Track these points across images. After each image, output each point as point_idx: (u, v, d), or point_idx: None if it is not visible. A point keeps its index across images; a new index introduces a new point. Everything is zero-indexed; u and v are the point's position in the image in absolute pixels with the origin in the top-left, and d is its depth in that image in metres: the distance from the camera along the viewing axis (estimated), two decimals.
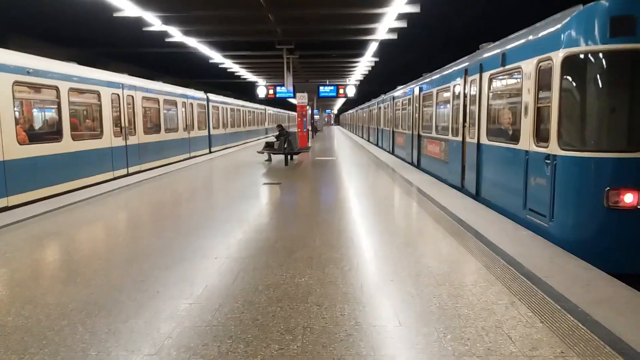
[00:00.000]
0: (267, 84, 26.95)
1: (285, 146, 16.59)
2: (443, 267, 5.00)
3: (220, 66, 22.57)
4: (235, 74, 26.50)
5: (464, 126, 10.16)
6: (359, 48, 18.08)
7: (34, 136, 10.17)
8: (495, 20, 14.25)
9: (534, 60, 6.73)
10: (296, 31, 15.37)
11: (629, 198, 5.48)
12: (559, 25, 6.15)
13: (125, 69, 19.82)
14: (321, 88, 23.01)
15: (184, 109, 20.14)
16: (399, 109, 20.04)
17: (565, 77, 5.97)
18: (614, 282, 4.44)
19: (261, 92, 22.36)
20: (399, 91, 20.47)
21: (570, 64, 5.91)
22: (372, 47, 17.42)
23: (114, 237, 6.58)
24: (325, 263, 5.20)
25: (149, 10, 11.90)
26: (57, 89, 10.82)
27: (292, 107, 58.67)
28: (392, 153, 21.54)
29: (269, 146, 17.47)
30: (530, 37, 7.07)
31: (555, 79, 6.09)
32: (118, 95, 14.02)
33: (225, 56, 20.00)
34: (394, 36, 15.05)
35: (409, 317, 3.79)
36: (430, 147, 13.40)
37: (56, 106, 10.86)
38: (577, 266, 4.92)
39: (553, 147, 6.11)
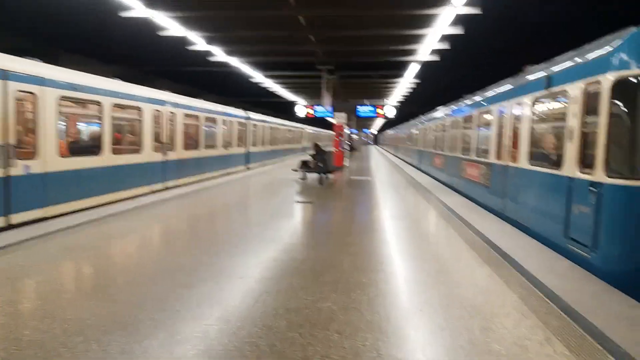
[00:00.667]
0: (306, 103, 27.15)
1: (320, 165, 16.54)
2: (477, 297, 4.73)
3: (260, 85, 22.92)
4: (275, 92, 26.83)
5: (502, 150, 9.93)
6: (399, 69, 18.00)
7: (75, 149, 10.42)
8: (538, 42, 13.85)
9: (581, 83, 6.44)
10: (336, 52, 15.45)
11: None
12: (609, 48, 5.87)
13: (169, 87, 20.30)
14: (360, 108, 22.93)
15: (224, 127, 20.32)
16: (437, 131, 19.76)
17: (615, 101, 5.64)
18: None
19: (300, 111, 22.47)
20: (436, 113, 20.25)
21: (621, 88, 5.60)
22: (413, 68, 17.28)
23: (141, 253, 6.61)
24: (351, 287, 5.02)
25: (193, 30, 12.22)
26: (100, 104, 11.06)
27: (331, 126, 58.82)
28: (429, 174, 21.12)
29: (304, 164, 17.46)
30: (578, 60, 6.78)
31: (603, 103, 5.79)
32: (160, 111, 14.14)
33: (266, 76, 20.30)
34: (436, 58, 14.87)
35: (436, 351, 3.55)
36: (470, 170, 13.10)
37: (99, 121, 11.10)
38: (621, 303, 4.54)
39: (599, 175, 5.77)
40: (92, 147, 11.05)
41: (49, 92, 9.28)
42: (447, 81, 22.72)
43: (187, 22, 11.42)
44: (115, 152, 11.78)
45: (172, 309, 4.36)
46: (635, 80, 5.43)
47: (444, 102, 19.83)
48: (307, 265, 5.87)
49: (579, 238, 6.21)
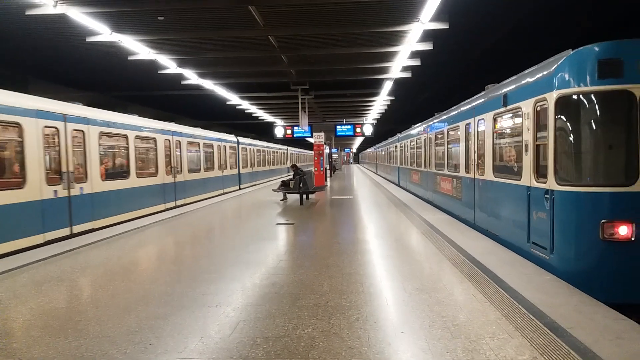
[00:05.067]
0: (285, 124, 27.09)
1: (300, 185, 16.41)
2: (459, 316, 4.62)
3: (237, 107, 22.81)
4: (253, 114, 26.76)
5: (470, 163, 10.57)
6: (373, 87, 18.10)
7: (110, 174, 12.60)
8: (507, 55, 14.10)
9: (532, 101, 7.07)
10: (310, 72, 15.46)
11: (623, 230, 5.66)
12: (551, 69, 6.49)
13: (142, 112, 20.14)
14: (338, 127, 23.01)
15: (219, 151, 22.76)
16: (412, 148, 20.52)
17: (559, 116, 6.30)
18: None
19: (279, 132, 22.47)
20: (411, 131, 21.18)
21: (563, 105, 6.23)
22: (387, 86, 17.40)
23: (115, 282, 6.35)
24: (331, 312, 4.86)
25: (163, 54, 12.08)
26: (126, 136, 13.46)
27: (312, 147, 59.15)
28: (407, 190, 21.82)
29: (284, 185, 17.31)
30: (528, 80, 7.38)
31: (550, 118, 6.42)
32: (169, 140, 16.62)
33: (242, 97, 20.22)
34: (408, 74, 15.00)
35: None
36: (443, 184, 13.70)
37: (126, 150, 13.39)
38: (606, 316, 4.48)
39: (551, 183, 6.38)
40: (121, 172, 13.29)
41: (92, 129, 11.66)
42: (421, 98, 22.97)
43: (157, 45, 11.29)
44: (139, 175, 14.11)
45: (145, 342, 4.16)
46: (575, 97, 6.07)
47: (420, 119, 20.05)
48: (287, 290, 5.70)
49: (539, 242, 6.78)
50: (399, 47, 11.84)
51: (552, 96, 6.39)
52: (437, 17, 9.29)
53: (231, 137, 25.04)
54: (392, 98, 20.95)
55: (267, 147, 36.00)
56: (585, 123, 6.10)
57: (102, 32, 9.82)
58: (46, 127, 9.99)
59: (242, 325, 4.54)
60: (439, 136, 14.39)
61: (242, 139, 27.18)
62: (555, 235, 6.32)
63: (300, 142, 53.21)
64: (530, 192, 7.13)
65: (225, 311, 4.97)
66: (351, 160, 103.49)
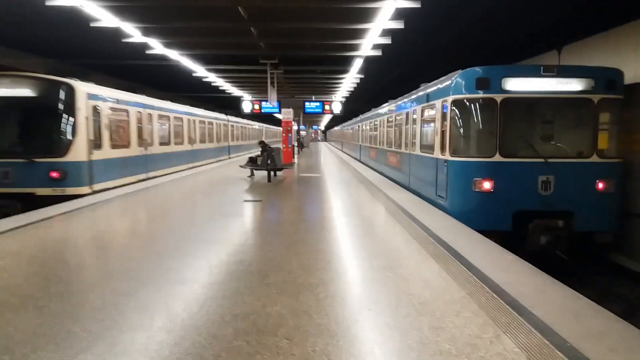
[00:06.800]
0: (253, 98, 26.64)
1: (268, 162, 16.27)
2: (424, 293, 4.71)
3: (204, 80, 22.26)
4: (220, 88, 26.21)
5: (407, 142, 14.19)
6: (344, 64, 17.92)
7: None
8: (477, 38, 14.22)
9: (440, 100, 10.35)
10: (280, 45, 15.16)
11: (486, 185, 9.02)
12: (449, 82, 9.87)
13: (107, 81, 19.52)
14: (307, 104, 22.76)
15: (217, 128, 28.40)
16: (370, 129, 24.27)
17: (452, 112, 9.66)
18: (604, 314, 4.17)
19: (246, 106, 22.04)
20: (369, 114, 25.80)
21: (455, 104, 9.61)
22: (357, 64, 17.28)
23: (79, 258, 6.19)
24: (300, 289, 4.87)
25: (127, 21, 11.59)
26: (181, 118, 20.25)
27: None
28: (367, 165, 25.05)
29: (251, 162, 17.12)
30: (439, 86, 10.72)
31: (448, 113, 9.81)
32: (190, 119, 22.41)
33: (209, 70, 19.71)
34: (379, 52, 14.92)
35: (387, 353, 3.48)
36: (391, 158, 17.51)
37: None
38: (565, 296, 4.65)
39: (447, 155, 9.83)
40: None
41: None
42: (390, 77, 22.96)
43: (121, 12, 10.77)
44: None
45: (109, 319, 4.07)
46: (462, 100, 9.47)
47: (387, 98, 20.12)
48: (255, 268, 5.68)
49: (441, 194, 10.16)
50: (371, 25, 11.72)
51: (449, 99, 9.73)
52: None
53: (223, 116, 30.50)
54: (362, 76, 20.85)
55: (248, 124, 41.72)
56: (467, 117, 9.55)
57: None
58: (138, 111, 15.77)
59: (209, 302, 4.49)
60: (389, 120, 17.81)
61: (230, 117, 33.16)
62: (448, 190, 9.74)
63: (271, 119, 53.15)
64: (437, 162, 10.41)
65: (192, 288, 4.91)
66: (319, 138, 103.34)
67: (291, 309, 4.32)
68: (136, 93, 16.86)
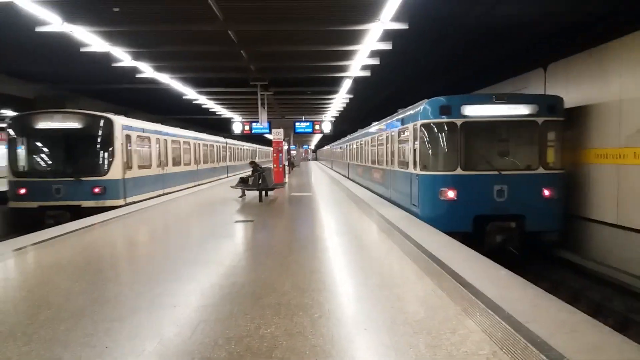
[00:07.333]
0: (244, 119, 26.70)
1: (259, 182, 16.26)
2: (419, 311, 4.68)
3: (194, 102, 22.33)
4: (211, 109, 26.28)
5: (388, 160, 15.95)
6: (333, 85, 18.09)
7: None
8: (463, 58, 14.46)
9: (412, 124, 12.05)
10: (270, 68, 15.30)
11: (450, 194, 10.67)
12: (419, 108, 11.61)
13: (96, 106, 19.53)
14: (297, 124, 22.85)
15: (217, 150, 31.00)
16: (357, 148, 26.16)
17: (421, 134, 11.36)
18: (599, 327, 4.17)
19: (237, 128, 22.01)
20: (355, 134, 27.99)
21: (424, 128, 11.31)
22: (347, 84, 17.45)
23: (68, 283, 6.09)
24: (294, 310, 4.83)
25: (117, 46, 11.66)
26: (188, 142, 23.44)
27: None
28: (354, 181, 26.79)
29: (243, 182, 17.09)
30: (411, 112, 12.44)
31: (417, 135, 11.53)
32: (197, 144, 25.57)
33: (199, 92, 19.79)
34: (367, 73, 15.08)
35: None
36: (375, 174, 19.12)
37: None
38: (560, 309, 4.65)
39: (418, 170, 11.59)
40: (178, 162, 20.74)
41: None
42: (379, 97, 23.17)
43: (111, 37, 10.84)
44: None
45: (100, 345, 4.00)
46: (429, 124, 11.18)
47: (377, 117, 20.30)
48: (248, 290, 5.62)
49: (415, 203, 11.85)
50: (359, 46, 11.88)
51: (419, 123, 11.43)
52: (397, 18, 9.36)
53: (222, 139, 33.45)
54: (351, 96, 21.03)
55: (243, 146, 45.01)
56: (433, 138, 11.21)
57: (53, 22, 9.33)
58: (157, 138, 18.54)
59: (202, 326, 4.43)
60: (373, 140, 19.68)
61: (229, 140, 36.57)
62: (420, 199, 11.45)
63: (259, 139, 53.63)
64: (411, 176, 12.11)
65: (185, 312, 4.85)
66: (309, 157, 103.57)
67: (285, 331, 4.28)
68: (127, 116, 17.05)
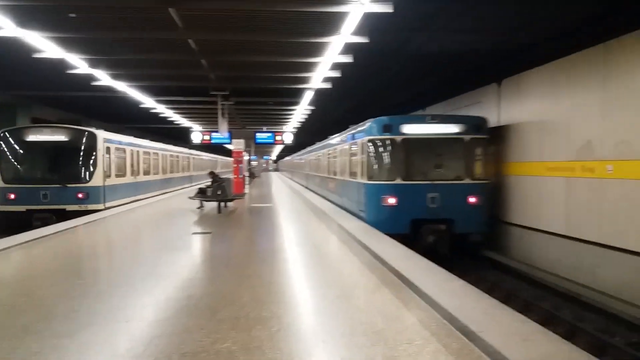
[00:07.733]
0: (203, 129, 26.38)
1: (218, 193, 16.03)
2: (378, 321, 4.71)
3: (152, 111, 21.90)
4: (169, 119, 25.84)
5: (340, 171, 17.70)
6: (295, 96, 18.14)
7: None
8: (422, 71, 14.80)
9: (360, 140, 13.57)
10: (230, 77, 15.19)
11: (391, 200, 12.06)
12: (365, 126, 13.20)
13: (49, 114, 18.82)
14: (258, 134, 22.76)
15: (179, 160, 32.10)
16: (314, 160, 27.77)
17: (368, 148, 12.77)
18: (550, 337, 4.29)
19: (196, 137, 21.75)
20: (312, 147, 29.90)
21: (370, 143, 12.73)
22: (308, 96, 17.53)
23: (12, 298, 5.81)
24: (252, 324, 4.76)
25: (72, 53, 11.32)
26: (162, 154, 26.02)
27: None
28: (312, 190, 28.02)
29: (201, 192, 16.80)
30: (359, 129, 14.02)
31: (364, 149, 12.98)
32: (174, 156, 29.95)
33: (158, 101, 19.45)
34: (329, 85, 15.21)
35: None
36: (330, 183, 20.71)
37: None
38: (513, 319, 4.76)
39: (365, 180, 12.98)
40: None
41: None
42: (340, 110, 23.41)
43: (66, 43, 10.52)
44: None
45: None
46: (374, 140, 12.66)
47: (338, 129, 20.48)
48: (204, 303, 5.51)
49: (361, 209, 13.16)
50: (321, 58, 11.98)
51: (365, 138, 12.89)
52: (358, 31, 9.49)
53: (188, 151, 36.01)
54: (313, 108, 21.13)
55: (207, 157, 47.85)
56: (377, 152, 12.67)
57: (5, 27, 8.97)
58: (131, 150, 20.21)
59: (156, 341, 4.31)
60: (329, 153, 21.35)
61: (194, 152, 38.98)
62: (366, 205, 12.77)
63: (220, 150, 53.17)
64: (359, 185, 13.53)
65: (138, 327, 4.71)
66: (270, 168, 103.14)
67: (242, 345, 4.21)
68: (83, 126, 17.11)
